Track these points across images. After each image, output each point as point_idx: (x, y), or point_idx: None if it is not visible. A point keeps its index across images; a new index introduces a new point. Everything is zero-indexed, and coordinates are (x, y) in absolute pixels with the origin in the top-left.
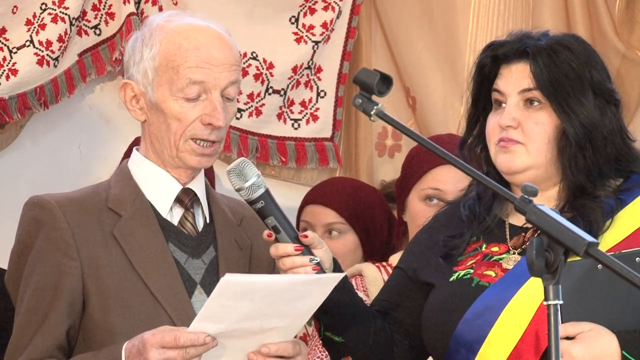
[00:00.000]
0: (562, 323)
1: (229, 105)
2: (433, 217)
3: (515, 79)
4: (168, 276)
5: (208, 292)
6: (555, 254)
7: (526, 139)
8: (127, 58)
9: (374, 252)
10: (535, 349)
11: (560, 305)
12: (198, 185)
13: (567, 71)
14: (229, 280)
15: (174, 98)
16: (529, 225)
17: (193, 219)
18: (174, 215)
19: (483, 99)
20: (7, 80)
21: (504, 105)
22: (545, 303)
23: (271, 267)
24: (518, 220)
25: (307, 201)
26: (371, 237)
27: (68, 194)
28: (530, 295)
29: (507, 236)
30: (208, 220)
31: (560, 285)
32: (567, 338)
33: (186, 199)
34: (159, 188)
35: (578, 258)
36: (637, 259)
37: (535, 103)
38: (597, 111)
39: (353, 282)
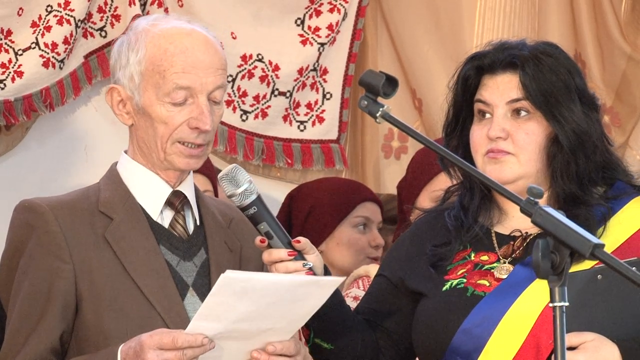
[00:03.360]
0: None
1: (215, 109)
2: (413, 224)
3: (502, 89)
4: (160, 279)
5: (200, 295)
6: (561, 256)
7: (517, 150)
8: (113, 62)
9: None
10: (536, 358)
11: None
12: (188, 188)
13: (555, 80)
14: (230, 277)
15: (161, 102)
16: (516, 234)
17: (184, 222)
18: (165, 218)
19: (464, 110)
20: (13, 82)
21: (488, 115)
22: (551, 305)
23: (260, 268)
24: (504, 229)
25: (366, 197)
26: None
27: (59, 197)
28: (529, 305)
29: (495, 245)
30: (198, 223)
31: (566, 287)
32: (570, 348)
33: (177, 201)
34: (149, 191)
35: (579, 269)
36: (634, 268)
37: (523, 113)
38: (585, 118)
39: (360, 283)
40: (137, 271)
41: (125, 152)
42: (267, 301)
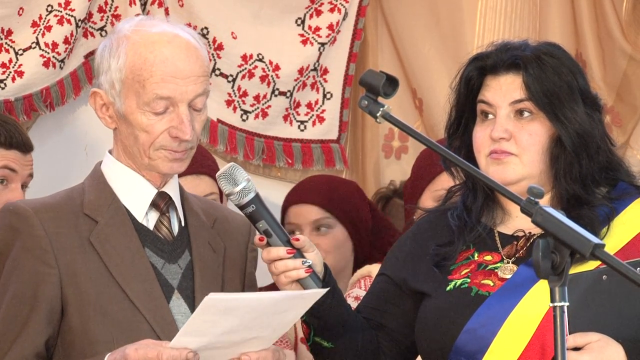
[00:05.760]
0: (569, 334)
1: (197, 115)
2: (415, 224)
3: (505, 90)
4: (146, 282)
5: (185, 297)
6: (562, 256)
7: (520, 150)
8: (96, 66)
9: (362, 242)
10: (541, 359)
11: (568, 315)
12: (172, 189)
13: (558, 80)
14: (214, 299)
15: (141, 111)
16: (519, 234)
17: (169, 223)
18: (150, 220)
19: (467, 111)
20: (13, 82)
21: (491, 116)
22: (551, 305)
23: (243, 270)
24: (507, 229)
25: (289, 203)
26: (357, 226)
27: (44, 200)
28: (534, 306)
29: (499, 245)
30: (183, 224)
31: (566, 287)
32: (576, 349)
33: (162, 203)
34: (134, 192)
35: (584, 269)
36: (638, 269)
37: (526, 114)
38: (587, 118)
39: (362, 283)
40: (122, 275)
41: (110, 151)
42: (251, 316)
